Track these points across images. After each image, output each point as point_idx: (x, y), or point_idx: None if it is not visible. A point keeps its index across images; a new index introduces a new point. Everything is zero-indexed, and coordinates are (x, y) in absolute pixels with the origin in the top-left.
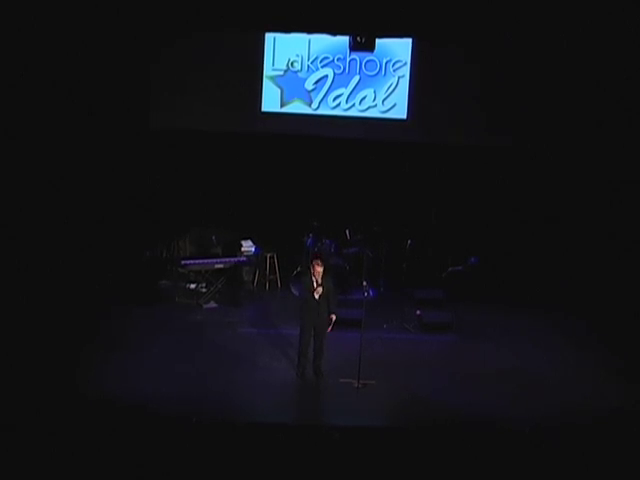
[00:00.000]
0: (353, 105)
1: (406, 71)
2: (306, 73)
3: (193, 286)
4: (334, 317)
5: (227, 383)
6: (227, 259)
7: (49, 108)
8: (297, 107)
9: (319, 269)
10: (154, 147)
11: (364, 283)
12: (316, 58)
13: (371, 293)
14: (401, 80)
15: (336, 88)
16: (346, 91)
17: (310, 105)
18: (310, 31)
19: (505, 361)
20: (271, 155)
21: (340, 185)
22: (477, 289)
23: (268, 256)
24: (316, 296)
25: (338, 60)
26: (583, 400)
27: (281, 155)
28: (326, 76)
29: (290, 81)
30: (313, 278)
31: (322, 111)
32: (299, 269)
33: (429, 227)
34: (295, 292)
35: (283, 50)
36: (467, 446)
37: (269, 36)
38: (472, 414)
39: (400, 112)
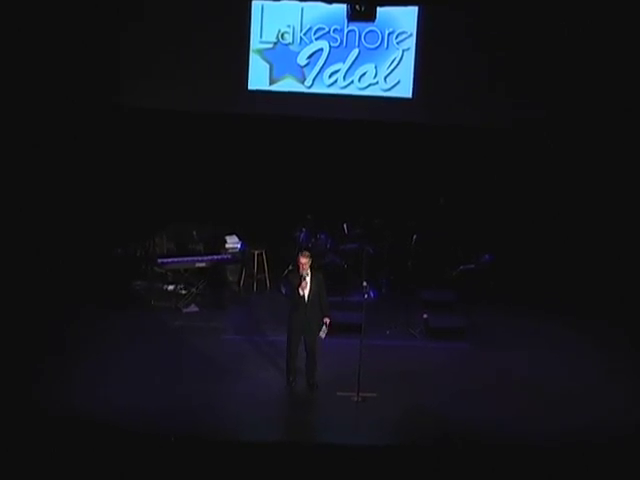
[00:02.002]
0: (351, 82)
1: (411, 44)
2: (298, 46)
3: (171, 287)
4: (328, 320)
5: (210, 396)
6: (209, 257)
7: (5, 84)
8: (288, 85)
9: (304, 260)
10: (126, 130)
11: (364, 283)
12: (309, 29)
13: (372, 294)
14: (406, 54)
15: (332, 63)
16: (343, 67)
17: (303, 82)
18: None
19: (524, 372)
20: (259, 139)
21: (337, 173)
22: (492, 290)
23: (256, 253)
24: (301, 292)
25: (334, 31)
26: (613, 416)
27: (270, 139)
28: (321, 49)
29: (280, 55)
30: (300, 272)
31: (316, 89)
32: (291, 268)
33: (437, 220)
34: (286, 294)
35: (272, 20)
36: (480, 468)
37: (256, 4)
38: (486, 432)
39: (405, 90)
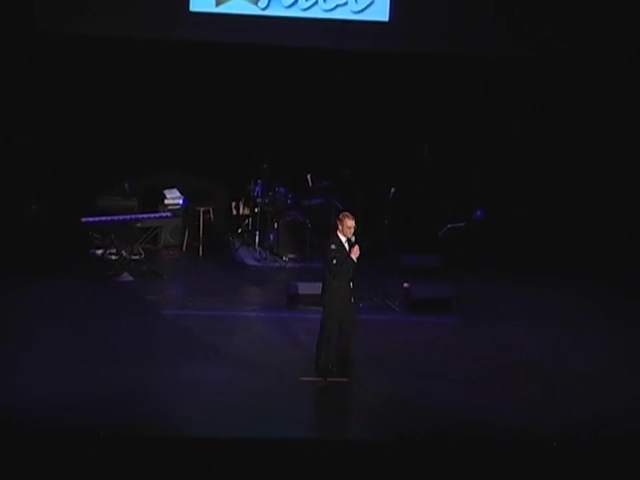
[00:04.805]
0: (315, 3)
1: None
2: None
3: (99, 252)
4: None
5: (147, 384)
6: (145, 215)
7: None
8: (238, 6)
9: (351, 223)
10: (44, 58)
11: (332, 246)
12: None
13: None
14: None
15: None
16: None
17: (256, 3)
18: None
19: (523, 351)
20: (204, 71)
21: (298, 113)
22: (484, 253)
23: (201, 211)
24: (353, 257)
25: None
26: (630, 403)
27: (217, 71)
28: None
29: None
30: (342, 237)
31: (273, 11)
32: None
33: (420, 169)
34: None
35: None
36: (472, 465)
37: None
38: (479, 422)
39: (380, 13)
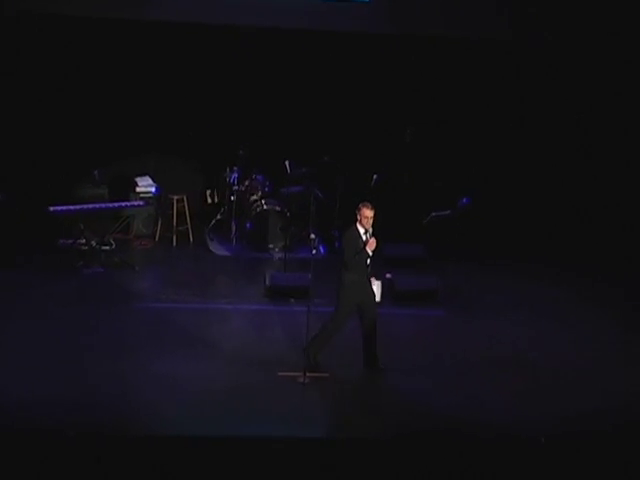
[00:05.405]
0: None
1: None
2: None
3: (69, 242)
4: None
5: (119, 381)
6: (116, 203)
7: None
8: None
9: (369, 213)
10: (6, 39)
11: (312, 235)
12: None
13: (321, 250)
14: None
15: None
16: None
17: None
18: None
19: (512, 344)
20: (177, 54)
21: (276, 96)
22: (471, 242)
23: (175, 199)
24: (369, 251)
25: None
26: (621, 398)
27: (192, 54)
28: None
29: None
30: (360, 228)
31: None
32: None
33: (403, 155)
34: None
35: None
36: (458, 463)
37: None
38: (465, 419)
39: None
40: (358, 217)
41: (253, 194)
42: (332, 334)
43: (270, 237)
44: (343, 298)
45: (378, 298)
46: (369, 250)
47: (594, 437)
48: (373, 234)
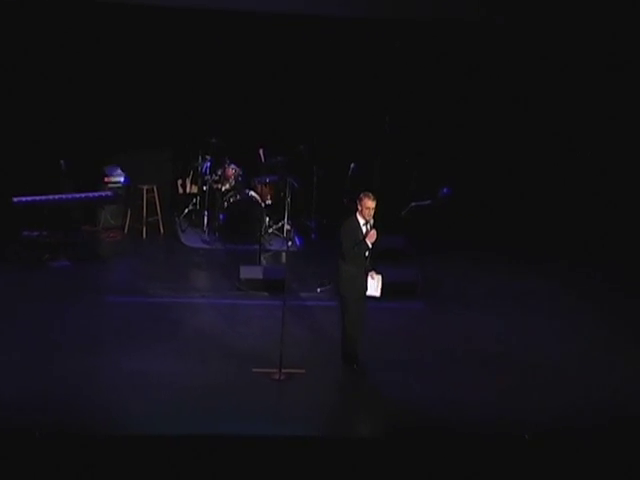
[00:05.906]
0: None
1: None
2: None
3: (34, 234)
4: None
5: (86, 377)
6: (83, 194)
7: None
8: None
9: (371, 204)
10: None
11: (287, 227)
12: None
13: (297, 242)
14: None
15: None
16: None
17: None
18: None
19: (494, 337)
20: (147, 38)
21: (250, 82)
22: (452, 234)
23: (145, 189)
24: (369, 243)
25: None
26: (605, 394)
27: (162, 38)
28: None
29: None
30: (361, 219)
31: None
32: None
33: (381, 144)
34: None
35: None
36: (441, 461)
37: None
38: (448, 415)
39: None
40: (359, 207)
41: (226, 184)
42: (354, 326)
43: (242, 228)
44: (343, 290)
45: (378, 293)
46: (369, 242)
47: (578, 433)
48: (374, 225)
